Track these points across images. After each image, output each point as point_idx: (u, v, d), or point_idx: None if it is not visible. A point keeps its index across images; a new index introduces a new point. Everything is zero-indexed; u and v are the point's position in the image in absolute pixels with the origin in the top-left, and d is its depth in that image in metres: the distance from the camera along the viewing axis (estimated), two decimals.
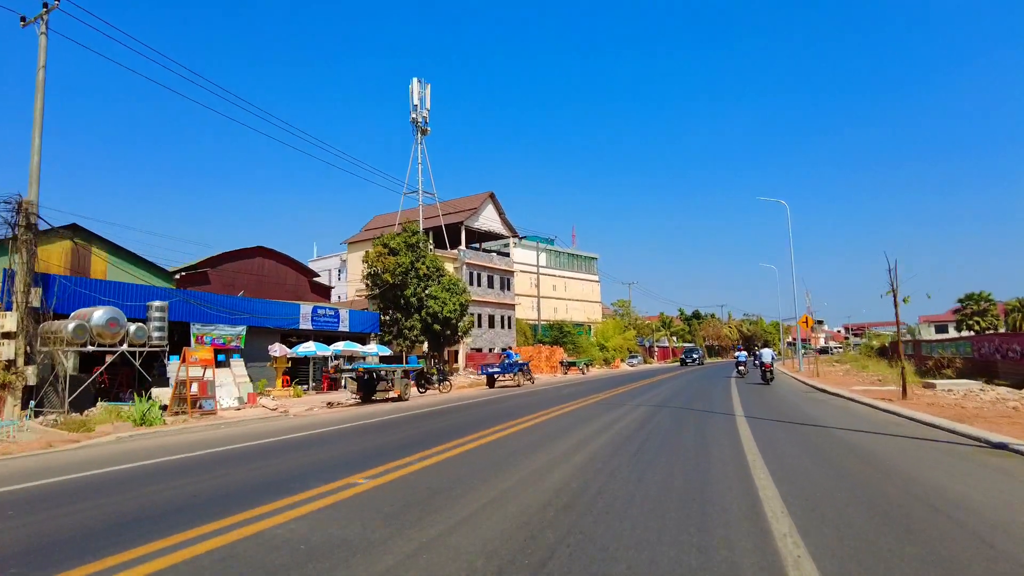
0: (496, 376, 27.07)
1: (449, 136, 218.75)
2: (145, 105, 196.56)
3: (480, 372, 28.35)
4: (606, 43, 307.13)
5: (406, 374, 20.41)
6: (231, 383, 18.55)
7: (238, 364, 20.04)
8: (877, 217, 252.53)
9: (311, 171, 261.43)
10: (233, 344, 23.05)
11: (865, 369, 33.02)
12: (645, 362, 71.68)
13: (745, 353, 31.27)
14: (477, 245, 51.06)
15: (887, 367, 33.83)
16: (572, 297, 69.56)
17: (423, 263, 32.23)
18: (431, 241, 45.34)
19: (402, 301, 31.96)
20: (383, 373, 19.84)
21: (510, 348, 36.39)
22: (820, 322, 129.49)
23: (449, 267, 42.20)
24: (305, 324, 26.66)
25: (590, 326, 67.54)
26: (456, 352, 42.19)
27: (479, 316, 44.60)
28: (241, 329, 23.35)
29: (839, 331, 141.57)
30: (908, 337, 59.28)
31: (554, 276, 67.02)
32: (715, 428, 10.34)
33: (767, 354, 24.99)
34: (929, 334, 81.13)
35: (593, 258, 76.08)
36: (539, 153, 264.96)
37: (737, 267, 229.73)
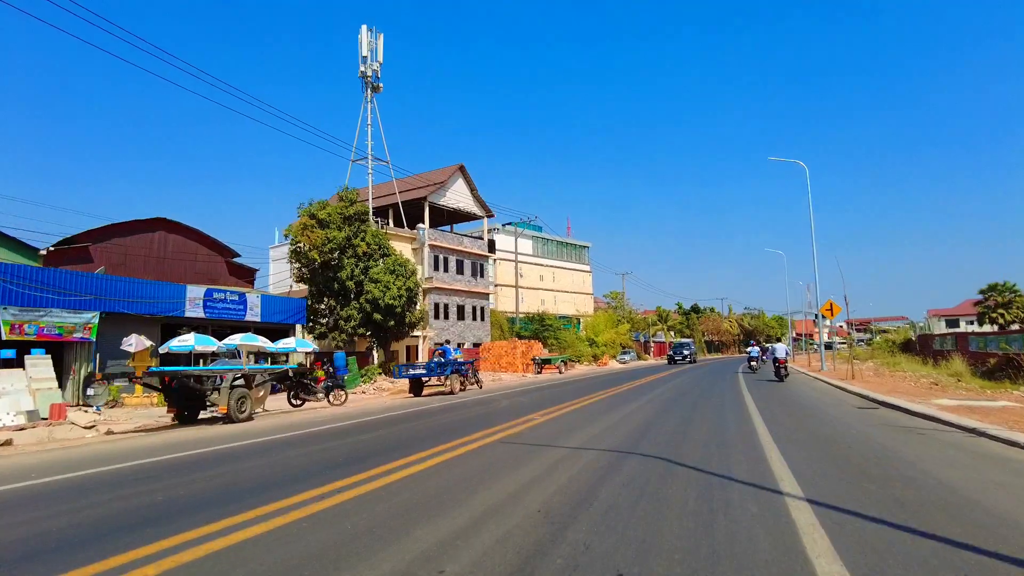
0: (424, 380, 20.36)
1: (432, 122, 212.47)
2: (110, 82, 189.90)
3: (397, 374, 21.07)
4: (601, 28, 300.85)
5: (246, 381, 13.54)
6: (23, 390, 12.96)
7: (40, 363, 14.37)
8: (876, 213, 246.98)
9: (275, 153, 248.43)
10: (78, 335, 17.49)
11: (897, 367, 27.45)
12: (640, 358, 66.17)
13: (758, 349, 30.67)
14: (448, 228, 45.40)
15: (920, 364, 28.57)
16: (561, 288, 64.10)
17: (362, 239, 26.60)
18: (390, 220, 39.75)
19: (336, 285, 26.38)
20: (202, 379, 12.94)
21: (446, 343, 30.47)
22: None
23: (406, 248, 36.60)
24: (194, 311, 21.07)
25: (579, 319, 61.99)
26: (416, 347, 36.65)
27: (445, 306, 39.00)
28: (91, 316, 17.75)
29: (841, 326, 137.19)
30: (912, 334, 53.28)
31: (541, 265, 61.46)
32: None
33: (780, 349, 23.24)
34: (939, 329, 74.95)
35: (584, 246, 70.48)
36: (530, 141, 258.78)
37: (738, 259, 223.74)
